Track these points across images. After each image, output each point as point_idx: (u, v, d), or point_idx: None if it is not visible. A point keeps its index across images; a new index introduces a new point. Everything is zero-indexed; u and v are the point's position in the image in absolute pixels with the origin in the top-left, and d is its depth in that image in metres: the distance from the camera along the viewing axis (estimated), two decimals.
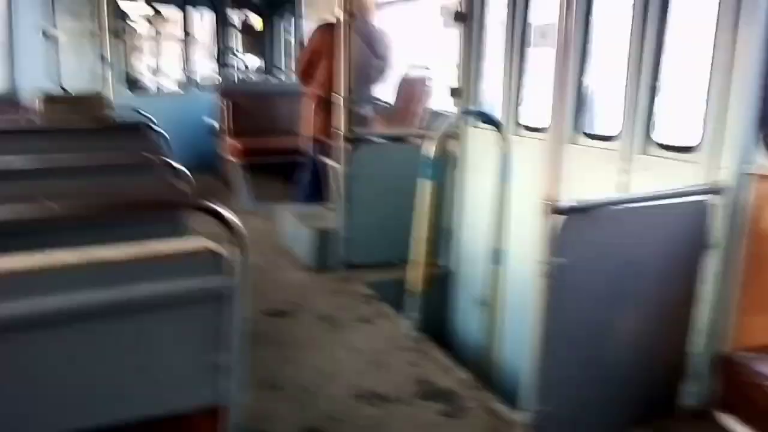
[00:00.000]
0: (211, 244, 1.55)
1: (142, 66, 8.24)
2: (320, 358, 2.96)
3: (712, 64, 2.44)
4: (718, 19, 2.40)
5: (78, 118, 4.97)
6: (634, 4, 2.79)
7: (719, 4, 2.39)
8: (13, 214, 1.63)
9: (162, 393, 1.57)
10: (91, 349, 1.47)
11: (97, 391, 1.49)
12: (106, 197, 1.73)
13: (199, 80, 8.02)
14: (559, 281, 2.03)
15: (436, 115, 4.50)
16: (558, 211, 2.00)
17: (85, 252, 1.43)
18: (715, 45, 2.42)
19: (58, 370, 1.43)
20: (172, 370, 1.58)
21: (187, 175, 2.47)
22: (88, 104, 6.36)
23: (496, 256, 3.37)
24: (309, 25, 7.23)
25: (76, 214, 1.57)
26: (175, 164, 2.51)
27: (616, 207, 2.21)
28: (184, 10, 7.79)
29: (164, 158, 2.66)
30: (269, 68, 8.42)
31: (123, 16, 7.49)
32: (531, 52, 3.55)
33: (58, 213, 1.55)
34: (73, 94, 6.69)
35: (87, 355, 1.47)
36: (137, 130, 3.59)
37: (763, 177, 2.29)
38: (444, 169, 3.88)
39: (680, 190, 2.34)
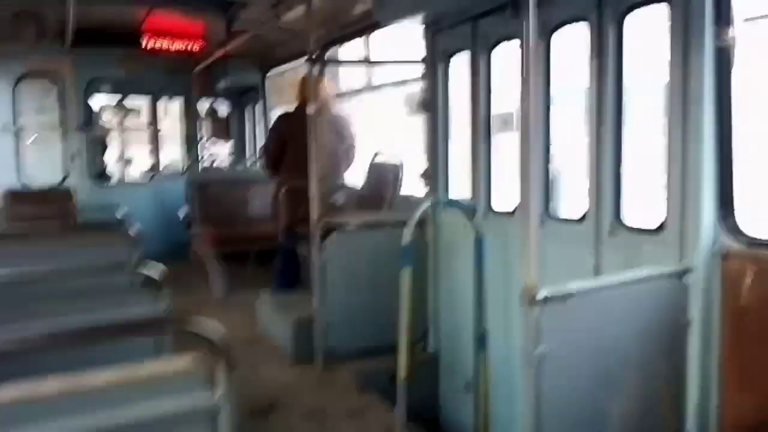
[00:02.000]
0: (195, 362, 1.53)
1: (110, 157, 8.23)
2: None
3: (668, 148, 2.59)
4: (668, 103, 2.57)
5: (44, 218, 4.90)
6: (588, 90, 2.97)
7: (668, 89, 2.57)
8: None
9: None
10: None
11: None
12: (81, 318, 1.69)
13: (167, 169, 8.04)
14: (543, 369, 2.05)
15: (407, 200, 4.59)
16: (536, 300, 2.04)
17: (68, 379, 1.39)
18: (668, 129, 2.57)
19: None
20: None
21: (159, 282, 2.43)
22: (53, 200, 6.29)
23: (481, 340, 3.37)
24: (275, 112, 7.42)
25: (53, 343, 1.54)
26: (148, 268, 2.48)
27: (592, 292, 2.26)
28: (151, 99, 7.89)
29: (137, 263, 2.64)
30: (238, 155, 8.52)
31: (88, 108, 7.53)
32: (495, 139, 3.69)
33: (35, 344, 1.51)
34: (39, 190, 6.62)
35: None
36: (106, 230, 3.56)
37: (727, 255, 2.39)
38: (421, 255, 3.92)
39: (653, 272, 2.41)
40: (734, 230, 2.41)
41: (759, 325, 2.30)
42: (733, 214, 2.42)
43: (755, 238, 2.36)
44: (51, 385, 1.37)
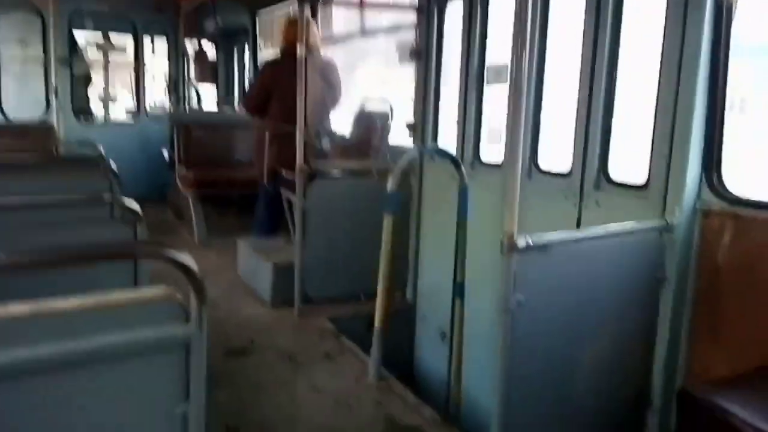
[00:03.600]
0: (167, 292, 1.51)
1: (93, 94, 8.03)
2: (283, 400, 2.89)
3: (657, 104, 2.56)
4: (662, 59, 2.52)
5: (24, 151, 4.79)
6: (584, 43, 2.91)
7: (663, 45, 2.52)
8: None
9: None
10: (49, 404, 1.42)
11: None
12: (55, 244, 1.66)
13: (151, 109, 7.88)
14: (519, 317, 2.06)
15: (395, 149, 4.54)
16: (515, 248, 2.03)
17: (39, 303, 1.37)
18: (659, 85, 2.54)
19: (16, 426, 1.36)
20: (133, 420, 1.54)
21: (139, 214, 2.40)
22: (35, 135, 6.15)
23: (458, 290, 3.39)
24: (264, 56, 7.24)
25: (24, 263, 1.50)
26: (126, 202, 2.44)
27: (571, 243, 2.26)
28: (136, 37, 7.67)
29: (115, 196, 2.60)
30: (224, 98, 8.35)
31: (72, 43, 7.32)
32: (486, 90, 3.64)
33: (3, 263, 1.48)
34: (20, 124, 6.47)
35: (44, 409, 1.41)
36: (86, 164, 3.49)
37: (708, 213, 2.40)
38: (405, 203, 3.90)
39: (633, 227, 2.42)
40: (718, 188, 2.41)
41: (732, 283, 2.33)
42: (718, 172, 2.42)
43: (738, 197, 2.37)
44: (21, 308, 1.35)
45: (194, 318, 1.53)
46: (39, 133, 6.31)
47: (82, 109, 7.50)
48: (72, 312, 1.44)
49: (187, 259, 1.51)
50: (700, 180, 2.43)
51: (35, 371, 1.38)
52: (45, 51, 6.78)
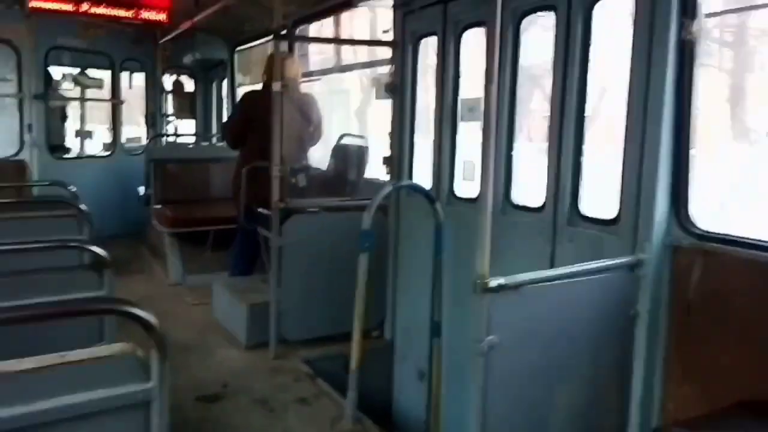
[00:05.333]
0: (127, 348, 1.47)
1: (69, 130, 7.97)
2: None
3: (625, 140, 2.59)
4: (629, 96, 2.56)
5: None
6: (553, 79, 2.95)
7: (630, 82, 2.56)
8: None
9: None
10: None
11: None
12: (15, 297, 1.61)
13: (127, 145, 7.82)
14: (493, 359, 2.04)
15: (371, 184, 4.54)
16: (488, 289, 2.02)
17: None
18: (627, 121, 2.57)
19: None
20: None
21: (107, 261, 2.35)
22: (7, 172, 6.08)
23: (435, 328, 3.36)
24: (242, 89, 7.26)
25: None
26: (95, 249, 2.39)
27: (545, 283, 2.25)
28: (113, 72, 7.65)
29: (84, 242, 2.56)
30: (202, 132, 8.33)
31: (48, 78, 7.27)
32: (460, 126, 3.66)
33: None
34: None
35: None
36: (58, 206, 3.44)
37: (678, 249, 2.41)
38: (381, 239, 3.88)
39: (605, 264, 2.42)
40: (686, 224, 2.43)
41: (704, 319, 2.33)
42: (686, 207, 2.44)
43: (706, 232, 2.39)
44: None
45: (155, 375, 1.49)
46: (11, 170, 6.24)
47: (57, 145, 7.43)
48: (31, 372, 1.40)
49: (147, 315, 1.48)
50: (669, 216, 2.45)
51: None
52: (20, 87, 6.73)
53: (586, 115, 2.89)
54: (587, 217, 2.83)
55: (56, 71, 7.51)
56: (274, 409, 3.17)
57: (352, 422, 3.05)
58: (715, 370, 2.30)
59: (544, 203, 3.01)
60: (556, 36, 2.92)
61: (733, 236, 2.31)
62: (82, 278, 2.39)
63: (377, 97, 4.42)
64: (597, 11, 2.83)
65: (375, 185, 4.29)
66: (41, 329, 1.63)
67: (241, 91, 7.21)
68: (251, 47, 7.43)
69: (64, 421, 1.42)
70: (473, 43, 3.60)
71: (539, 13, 3.12)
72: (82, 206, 3.19)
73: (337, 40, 6.19)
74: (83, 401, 1.42)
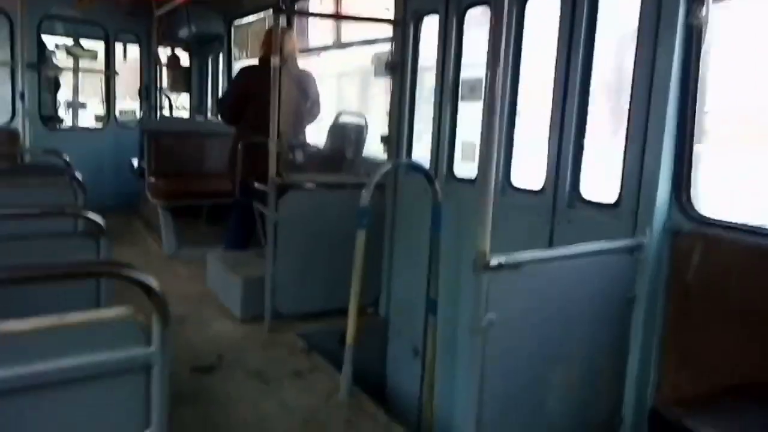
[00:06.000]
0: (127, 312, 1.45)
1: (61, 100, 7.86)
2: (251, 419, 2.81)
3: (628, 124, 2.58)
4: (634, 80, 2.55)
5: None
6: (557, 60, 2.93)
7: (635, 65, 2.54)
8: None
9: None
10: (1, 429, 1.35)
11: None
12: (13, 259, 1.59)
13: (121, 116, 7.73)
14: (490, 336, 2.04)
15: (369, 162, 4.52)
16: (487, 267, 2.02)
17: None
18: (631, 105, 2.56)
19: None
20: None
21: (102, 228, 2.32)
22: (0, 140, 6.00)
23: (431, 306, 3.36)
24: (238, 64, 7.17)
25: None
26: (90, 215, 2.36)
27: (544, 262, 2.26)
28: (107, 43, 7.54)
29: (78, 208, 2.52)
30: (197, 107, 8.24)
31: (41, 47, 7.15)
32: (461, 105, 3.64)
33: None
34: None
35: None
36: (51, 173, 3.40)
37: (678, 233, 2.42)
38: (378, 217, 3.87)
39: (604, 246, 2.42)
40: (687, 209, 2.43)
41: (701, 303, 2.35)
42: (688, 192, 2.44)
43: (707, 218, 2.39)
44: None
45: (156, 340, 1.47)
46: (4, 138, 6.16)
47: (49, 116, 7.33)
48: (27, 333, 1.38)
49: (148, 278, 1.46)
50: (670, 200, 2.45)
51: None
52: (12, 56, 6.62)
53: (589, 96, 2.87)
54: (588, 200, 2.83)
55: (50, 41, 7.40)
56: (269, 382, 3.18)
57: (348, 396, 3.06)
58: (711, 354, 2.32)
59: (545, 185, 3.01)
60: (561, 14, 2.89)
61: (735, 222, 2.32)
62: (77, 245, 2.36)
63: (376, 75, 4.38)
64: None
65: (373, 164, 4.26)
66: (37, 293, 1.61)
67: (237, 66, 7.13)
68: (248, 22, 7.34)
69: (63, 383, 1.41)
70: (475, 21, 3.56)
71: None
72: (77, 173, 3.16)
73: (337, 16, 6.11)
74: (83, 363, 1.41)
